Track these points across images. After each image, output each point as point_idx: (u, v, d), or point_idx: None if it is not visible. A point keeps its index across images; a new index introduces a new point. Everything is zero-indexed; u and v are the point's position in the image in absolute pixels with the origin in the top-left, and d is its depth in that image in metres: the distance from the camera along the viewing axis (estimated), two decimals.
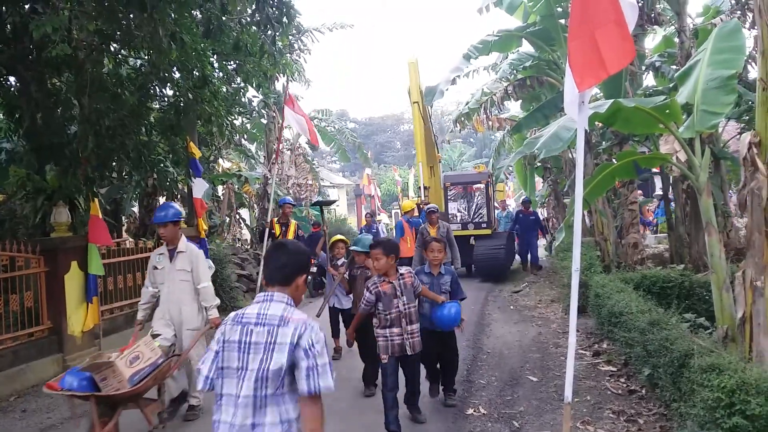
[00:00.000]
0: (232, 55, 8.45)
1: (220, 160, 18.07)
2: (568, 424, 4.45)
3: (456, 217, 16.48)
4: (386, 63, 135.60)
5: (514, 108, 20.77)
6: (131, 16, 7.08)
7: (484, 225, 16.27)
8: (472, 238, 16.22)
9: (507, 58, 14.99)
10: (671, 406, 5.06)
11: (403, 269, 5.50)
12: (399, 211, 23.82)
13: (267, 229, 12.12)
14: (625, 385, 6.50)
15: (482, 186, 16.52)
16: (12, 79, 8.81)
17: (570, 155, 14.92)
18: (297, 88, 19.06)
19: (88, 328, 8.97)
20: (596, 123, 7.76)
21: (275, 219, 12.30)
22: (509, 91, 14.46)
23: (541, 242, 20.63)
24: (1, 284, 7.92)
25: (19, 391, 7.64)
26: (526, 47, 13.90)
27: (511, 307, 11.92)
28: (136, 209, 15.92)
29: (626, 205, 12.13)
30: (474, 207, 16.49)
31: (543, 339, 9.06)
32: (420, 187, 13.93)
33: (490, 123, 17.65)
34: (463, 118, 16.41)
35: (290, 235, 11.85)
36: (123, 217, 15.41)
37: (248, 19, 7.73)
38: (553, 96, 13.66)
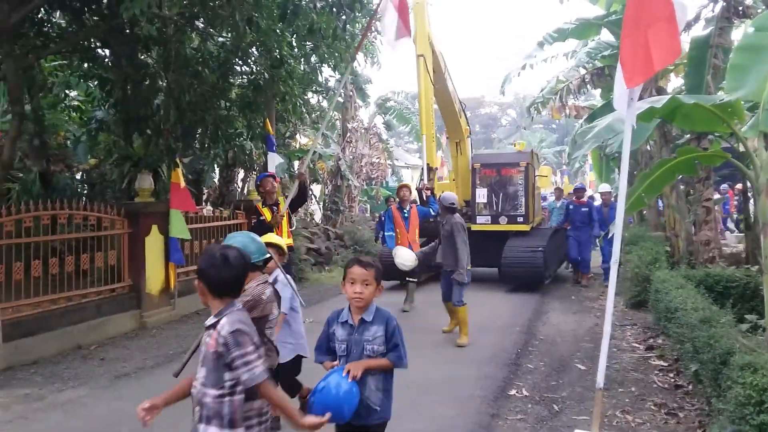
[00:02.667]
0: (308, 37, 8.78)
1: (297, 136, 18.64)
2: (598, 409, 4.57)
3: (486, 207, 12.93)
4: (465, 46, 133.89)
5: (598, 96, 20.35)
6: None
7: (520, 219, 12.70)
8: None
9: (585, 45, 14.73)
10: (711, 402, 5.09)
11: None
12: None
13: (252, 218, 9.19)
14: (672, 380, 6.50)
15: (521, 169, 12.78)
16: (106, 52, 9.47)
17: (647, 147, 14.57)
18: (369, 71, 18.99)
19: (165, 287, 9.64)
20: None
21: (259, 203, 8.93)
22: (586, 80, 14.24)
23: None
24: (88, 242, 8.66)
25: (99, 341, 8.34)
26: (605, 36, 13.63)
27: (572, 297, 11.89)
28: (216, 180, 16.69)
29: (700, 202, 11.82)
30: (508, 195, 12.79)
31: (598, 330, 9.03)
32: (423, 169, 11.12)
33: (568, 111, 17.39)
34: (538, 105, 16.21)
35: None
36: (204, 188, 16.22)
37: (322, 4, 8.02)
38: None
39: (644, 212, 17.06)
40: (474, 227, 12.42)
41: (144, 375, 7.02)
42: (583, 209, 13.21)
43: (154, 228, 9.49)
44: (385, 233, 10.62)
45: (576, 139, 10.64)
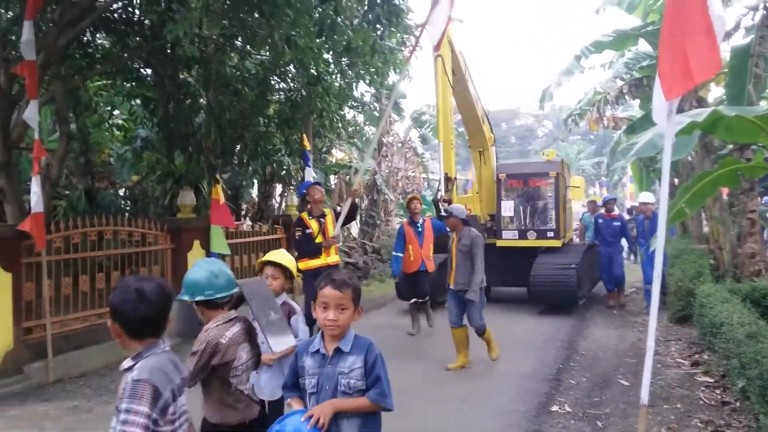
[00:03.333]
0: (345, 53, 8.91)
1: (333, 151, 18.82)
2: (643, 426, 4.50)
3: (512, 221, 11.79)
4: (500, 57, 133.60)
5: (636, 106, 20.10)
6: (254, 16, 7.68)
7: (550, 234, 11.56)
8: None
9: (623, 56, 14.60)
10: (759, 419, 4.97)
11: None
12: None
13: (297, 230, 7.98)
14: (719, 397, 6.36)
15: (550, 180, 11.62)
16: (148, 72, 9.74)
17: (689, 158, 14.33)
18: (403, 85, 18.94)
19: None
20: None
21: (305, 214, 8.05)
22: (624, 91, 14.10)
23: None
24: (133, 257, 8.87)
25: None
26: (643, 46, 13.50)
27: (615, 312, 11.70)
28: (255, 195, 16.93)
29: (744, 213, 11.57)
30: (537, 208, 11.68)
31: (642, 345, 8.88)
32: (440, 180, 10.30)
33: (606, 122, 17.22)
34: (575, 117, 16.08)
35: (330, 231, 7.92)
36: (242, 203, 16.48)
37: (359, 19, 8.15)
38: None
39: (687, 225, 16.74)
40: (500, 243, 11.62)
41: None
42: (614, 223, 12.07)
43: (196, 243, 9.66)
44: (393, 253, 9.49)
45: (618, 156, 10.52)
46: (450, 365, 7.50)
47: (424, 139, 25.02)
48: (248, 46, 9.42)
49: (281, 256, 4.22)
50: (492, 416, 5.86)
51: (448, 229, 8.62)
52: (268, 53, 9.18)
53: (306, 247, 7.81)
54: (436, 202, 9.94)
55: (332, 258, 7.98)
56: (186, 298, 3.37)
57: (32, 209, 6.77)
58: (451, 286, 7.46)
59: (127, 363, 2.42)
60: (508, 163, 14.09)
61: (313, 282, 7.02)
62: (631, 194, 34.34)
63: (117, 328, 2.42)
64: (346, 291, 2.72)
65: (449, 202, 9.24)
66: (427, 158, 25.96)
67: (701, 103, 11.40)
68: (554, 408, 6.16)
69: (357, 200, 8.76)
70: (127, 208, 13.04)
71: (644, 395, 4.55)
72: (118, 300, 2.40)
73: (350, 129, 17.72)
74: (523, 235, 11.65)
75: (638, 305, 12.38)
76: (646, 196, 11.83)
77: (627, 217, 13.26)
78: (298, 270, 7.20)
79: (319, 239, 7.84)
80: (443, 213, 7.59)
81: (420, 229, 9.35)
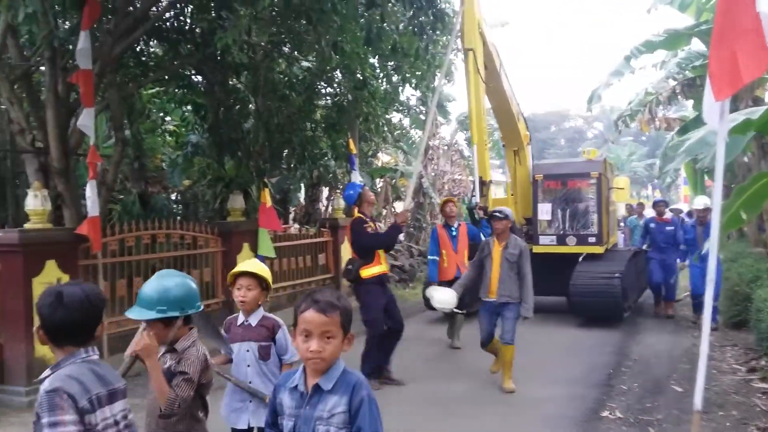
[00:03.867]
0: (390, 57, 8.97)
1: (380, 155, 18.91)
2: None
3: (550, 226, 10.97)
4: (550, 58, 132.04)
5: (689, 107, 19.58)
6: (302, 23, 7.81)
7: (591, 239, 10.64)
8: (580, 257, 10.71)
9: (675, 56, 14.26)
10: None
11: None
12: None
13: (366, 226, 7.21)
14: None
15: (591, 181, 10.73)
16: (199, 79, 9.98)
17: (745, 159, 13.90)
18: (449, 87, 18.81)
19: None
20: None
21: (362, 215, 7.25)
22: (677, 91, 13.77)
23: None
24: (185, 260, 9.09)
25: None
26: (696, 45, 13.17)
27: (666, 318, 11.42)
28: (302, 199, 17.14)
29: None
30: (578, 212, 10.75)
31: (696, 350, 8.52)
32: (475, 182, 9.59)
33: (658, 123, 16.84)
34: (626, 118, 15.76)
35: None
36: (290, 206, 16.69)
37: (404, 25, 8.19)
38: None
39: (744, 227, 16.23)
40: (536, 249, 10.56)
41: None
42: (667, 228, 11.06)
43: (246, 246, 9.83)
44: (429, 257, 9.08)
45: (667, 153, 10.22)
46: (493, 366, 7.18)
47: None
48: (296, 53, 9.57)
49: (256, 265, 3.87)
50: (539, 422, 5.80)
51: (482, 237, 8.17)
52: (315, 59, 9.31)
53: (369, 250, 7.13)
54: (470, 209, 9.11)
55: (385, 266, 7.36)
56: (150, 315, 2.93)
57: (89, 213, 6.99)
58: (491, 298, 6.73)
59: (45, 373, 2.27)
60: (546, 163, 13.26)
61: (376, 290, 6.96)
62: (686, 197, 33.42)
63: (41, 334, 2.30)
64: (333, 315, 2.19)
65: (485, 209, 8.47)
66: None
67: (757, 102, 11.06)
68: (604, 414, 6.06)
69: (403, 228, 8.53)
70: (179, 211, 13.35)
71: (698, 401, 4.45)
72: (39, 303, 2.28)
73: (396, 132, 17.83)
74: (561, 241, 10.80)
75: (692, 310, 12.06)
76: (701, 201, 10.66)
77: (688, 220, 11.67)
78: (360, 279, 6.94)
79: None
80: (496, 214, 6.82)
81: (455, 233, 8.77)
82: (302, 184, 14.35)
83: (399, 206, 20.50)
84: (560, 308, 11.11)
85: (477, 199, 9.18)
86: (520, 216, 11.32)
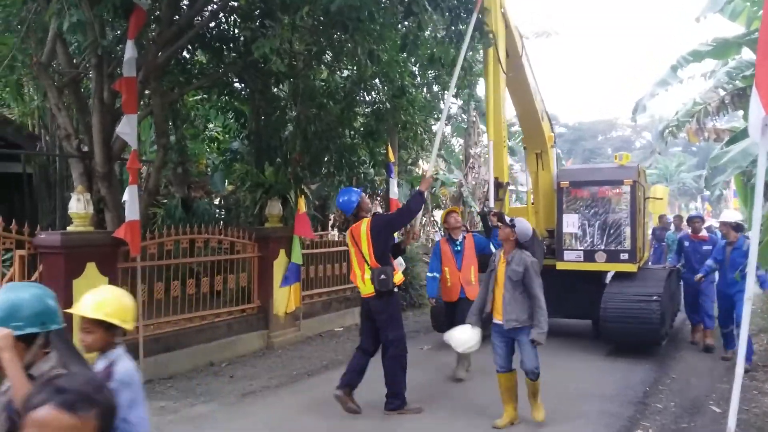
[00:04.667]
0: (429, 66, 8.96)
1: (420, 162, 18.90)
2: None
3: (576, 240, 9.61)
4: (599, 66, 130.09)
5: (740, 117, 18.98)
6: (339, 33, 7.88)
7: (624, 256, 9.31)
8: (610, 274, 9.70)
9: (725, 65, 13.87)
10: None
11: None
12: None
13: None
14: None
15: (624, 189, 9.45)
16: (241, 86, 10.16)
17: None
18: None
19: (290, 309, 10.02)
20: None
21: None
22: (726, 101, 13.37)
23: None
24: (222, 264, 9.23)
25: (229, 359, 8.80)
26: (747, 54, 12.79)
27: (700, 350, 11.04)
28: None
29: None
30: (608, 224, 9.47)
31: (757, 377, 8.35)
32: (489, 185, 8.73)
33: (707, 134, 16.38)
34: (673, 129, 15.36)
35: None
36: (329, 213, 16.80)
37: (444, 33, 8.19)
38: None
39: None
40: (560, 265, 9.50)
41: (269, 394, 7.33)
42: (704, 247, 9.74)
43: (282, 252, 9.92)
44: (428, 273, 8.27)
45: (710, 164, 9.84)
46: (498, 421, 6.02)
47: (512, 151, 24.70)
48: (335, 62, 9.67)
49: (93, 301, 2.91)
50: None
51: (492, 249, 7.44)
52: (353, 68, 9.38)
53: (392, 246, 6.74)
54: (483, 215, 8.11)
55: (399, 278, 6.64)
56: None
57: (127, 217, 7.16)
58: (498, 321, 5.96)
59: None
60: (572, 168, 11.92)
61: (399, 302, 6.58)
62: (736, 209, 32.35)
63: None
64: (85, 415, 1.46)
65: (500, 215, 7.23)
66: (516, 170, 25.61)
67: None
68: (637, 431, 5.92)
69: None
70: (222, 216, 13.58)
71: (731, 423, 4.31)
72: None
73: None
74: (589, 257, 9.44)
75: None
76: (730, 215, 9.09)
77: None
78: (391, 286, 6.26)
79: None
80: (508, 222, 5.96)
81: (458, 248, 7.85)
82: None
83: (438, 214, 20.45)
84: (585, 332, 10.34)
85: (492, 203, 8.37)
86: (541, 228, 10.39)
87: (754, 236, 4.33)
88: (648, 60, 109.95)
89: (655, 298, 8.80)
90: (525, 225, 5.96)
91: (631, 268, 9.28)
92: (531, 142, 10.65)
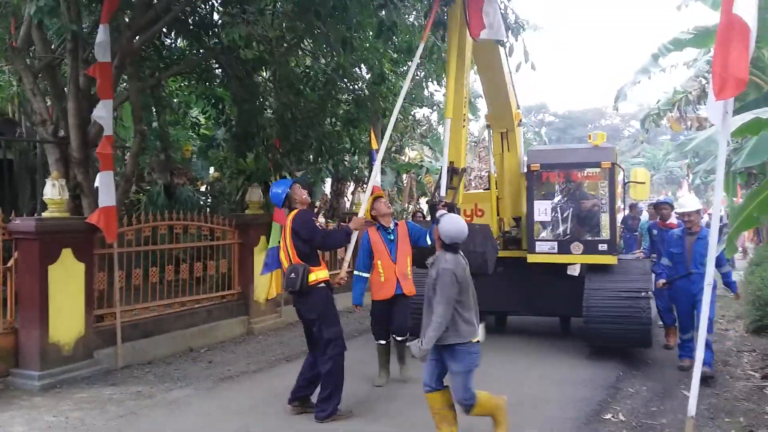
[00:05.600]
0: (407, 54, 8.96)
1: (406, 150, 18.90)
2: None
3: (549, 229, 8.65)
4: (588, 56, 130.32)
5: None
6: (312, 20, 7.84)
7: (602, 247, 8.33)
8: (571, 267, 8.59)
9: (707, 53, 13.91)
10: None
11: None
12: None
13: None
14: None
15: (601, 172, 8.55)
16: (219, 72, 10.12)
17: None
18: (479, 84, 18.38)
19: (271, 296, 10.03)
20: None
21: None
22: (707, 90, 13.42)
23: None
24: (202, 251, 9.23)
25: (209, 345, 8.83)
26: None
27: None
28: (329, 193, 17.24)
29: None
30: (584, 211, 8.60)
31: (716, 356, 8.45)
32: (442, 170, 7.29)
33: (689, 122, 16.46)
34: (654, 117, 15.41)
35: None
36: (315, 200, 16.79)
37: (421, 22, 8.17)
38: (757, 97, 12.49)
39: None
40: (532, 258, 8.57)
41: (245, 379, 7.36)
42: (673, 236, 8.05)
43: (262, 239, 9.92)
44: (355, 272, 7.03)
45: (676, 151, 9.69)
46: None
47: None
48: (313, 49, 9.64)
49: None
50: (538, 424, 5.74)
51: (428, 241, 6.63)
52: (326, 54, 9.36)
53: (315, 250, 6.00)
54: (432, 205, 7.04)
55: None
56: None
57: (101, 203, 7.14)
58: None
59: None
60: (543, 149, 10.74)
61: (332, 298, 5.86)
62: (722, 200, 32.52)
63: None
64: None
65: (451, 207, 6.59)
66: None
67: None
68: (608, 416, 5.98)
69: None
70: (208, 203, 13.55)
71: (692, 407, 4.39)
72: None
73: (423, 128, 17.79)
74: (564, 248, 8.45)
75: (718, 312, 11.78)
76: (689, 202, 7.69)
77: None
78: (309, 286, 5.72)
79: None
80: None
81: (392, 237, 6.88)
82: (322, 180, 14.44)
83: (423, 202, 20.49)
84: (556, 331, 9.68)
85: (443, 192, 7.01)
86: (508, 215, 9.47)
87: (713, 232, 4.38)
88: (635, 49, 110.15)
89: (644, 294, 7.92)
90: (450, 224, 4.85)
91: (611, 260, 8.35)
92: (497, 120, 9.50)
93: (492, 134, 9.65)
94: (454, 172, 7.27)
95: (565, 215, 8.56)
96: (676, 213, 8.17)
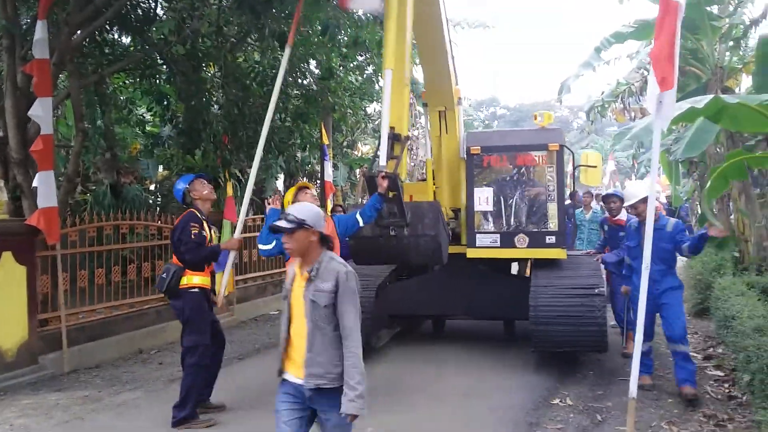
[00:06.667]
0: (352, 49, 8.95)
1: (358, 145, 18.89)
2: (632, 420, 4.50)
3: (490, 220, 7.72)
4: (536, 48, 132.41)
5: None
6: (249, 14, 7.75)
7: (550, 239, 7.52)
8: (515, 265, 8.38)
9: (649, 46, 14.27)
10: (760, 413, 4.86)
11: None
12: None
13: (193, 227, 5.68)
14: (726, 391, 6.23)
15: (549, 156, 7.65)
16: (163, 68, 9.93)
17: (716, 149, 13.98)
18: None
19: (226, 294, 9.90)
20: None
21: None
22: (649, 81, 13.79)
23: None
24: (149, 251, 9.06)
25: (158, 346, 8.69)
26: None
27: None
28: (282, 189, 17.13)
29: None
30: (530, 200, 7.67)
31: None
32: (381, 136, 5.82)
33: (633, 113, 16.89)
34: (598, 108, 15.76)
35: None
36: (266, 197, 16.66)
37: (368, 17, 8.16)
38: (697, 87, 12.88)
39: (714, 217, 16.35)
40: (471, 253, 7.69)
41: None
42: (621, 233, 7.64)
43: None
44: (260, 248, 5.71)
45: (615, 141, 9.55)
46: None
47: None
48: (254, 43, 9.54)
49: None
50: (487, 411, 5.83)
51: (359, 222, 5.66)
52: (259, 49, 9.25)
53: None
54: (371, 177, 5.62)
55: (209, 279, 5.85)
56: None
57: (40, 204, 6.94)
58: (293, 378, 3.34)
59: None
60: (484, 132, 9.89)
61: (202, 305, 5.51)
62: (665, 187, 33.42)
63: None
64: None
65: (393, 179, 5.47)
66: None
67: (726, 92, 11.12)
68: (555, 401, 6.11)
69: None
70: (158, 202, 13.31)
71: (633, 389, 4.53)
72: None
73: (376, 123, 17.79)
74: (508, 242, 7.58)
75: None
76: (636, 190, 6.45)
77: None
78: (179, 289, 5.52)
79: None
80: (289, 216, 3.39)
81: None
82: (273, 175, 14.33)
83: None
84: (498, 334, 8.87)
85: (383, 161, 5.58)
86: (447, 205, 8.28)
87: (649, 219, 4.51)
88: (581, 43, 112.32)
89: (596, 290, 6.97)
90: (306, 209, 3.36)
91: (560, 254, 7.52)
92: (434, 96, 8.25)
93: (429, 113, 8.48)
94: (395, 138, 5.95)
95: (508, 204, 7.67)
96: (625, 207, 7.06)
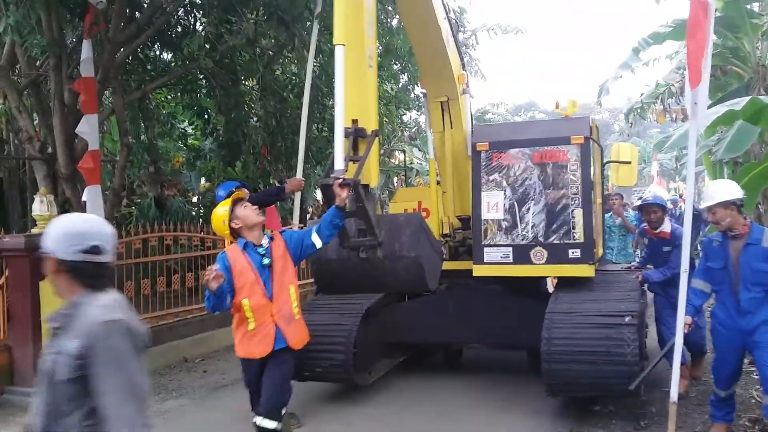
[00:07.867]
0: (384, 56, 9.05)
1: (396, 153, 18.99)
2: (673, 424, 4.44)
3: (502, 230, 6.27)
4: (577, 51, 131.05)
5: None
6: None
7: (574, 253, 6.00)
8: (549, 281, 7.05)
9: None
10: None
11: None
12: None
13: None
14: None
15: (572, 151, 6.08)
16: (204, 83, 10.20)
17: (760, 148, 13.64)
18: (473, 83, 18.38)
19: None
20: None
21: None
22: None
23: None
24: (194, 261, 9.28)
25: (203, 354, 8.87)
26: None
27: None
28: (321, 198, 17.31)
29: None
30: (550, 206, 6.15)
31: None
32: (337, 124, 4.38)
33: (674, 114, 16.60)
34: (638, 110, 15.53)
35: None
36: (307, 206, 16.85)
37: (400, 25, 8.26)
38: (739, 86, 12.63)
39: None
40: (478, 271, 6.32)
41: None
42: (664, 248, 6.42)
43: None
44: (210, 306, 4.67)
45: (655, 150, 9.65)
46: None
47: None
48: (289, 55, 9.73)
49: None
50: (527, 416, 5.81)
51: (318, 241, 4.59)
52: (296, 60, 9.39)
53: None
54: (325, 186, 4.46)
55: None
56: None
57: None
58: None
59: None
60: (494, 124, 7.70)
61: None
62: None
63: None
64: None
65: (355, 185, 4.32)
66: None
67: None
68: (596, 408, 6.05)
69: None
70: (201, 213, 13.60)
71: (674, 393, 4.48)
72: None
73: (413, 130, 17.91)
74: (522, 257, 6.14)
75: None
76: (716, 189, 4.90)
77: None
78: None
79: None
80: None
81: (266, 260, 4.60)
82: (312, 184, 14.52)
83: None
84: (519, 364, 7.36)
85: (339, 164, 4.34)
86: (452, 213, 7.17)
87: (686, 230, 4.46)
88: (618, 45, 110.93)
89: (628, 319, 5.48)
90: (55, 226, 2.27)
91: (587, 271, 6.02)
92: (432, 83, 6.83)
93: (428, 105, 6.99)
94: (358, 134, 4.61)
95: (522, 211, 6.22)
96: (702, 209, 5.34)
